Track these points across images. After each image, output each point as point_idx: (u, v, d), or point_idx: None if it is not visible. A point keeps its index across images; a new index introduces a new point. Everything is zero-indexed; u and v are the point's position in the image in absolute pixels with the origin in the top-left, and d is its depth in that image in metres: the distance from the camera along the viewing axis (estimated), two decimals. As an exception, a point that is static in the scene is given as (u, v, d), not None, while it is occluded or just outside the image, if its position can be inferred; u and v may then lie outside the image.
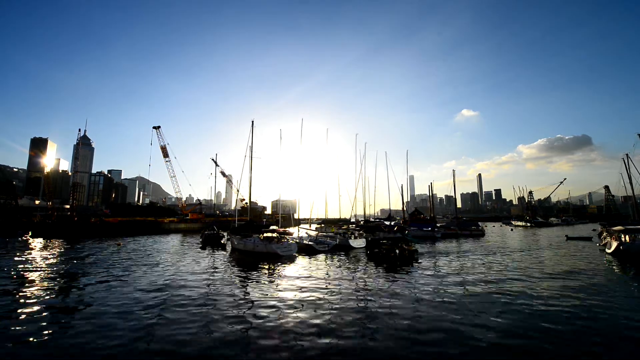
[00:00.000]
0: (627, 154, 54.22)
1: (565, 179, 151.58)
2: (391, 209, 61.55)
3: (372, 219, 54.68)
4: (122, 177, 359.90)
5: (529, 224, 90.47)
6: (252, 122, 42.88)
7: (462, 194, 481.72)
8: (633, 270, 20.06)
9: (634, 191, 53.96)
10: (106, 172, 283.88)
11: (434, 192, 71.83)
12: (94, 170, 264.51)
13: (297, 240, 33.05)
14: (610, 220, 52.33)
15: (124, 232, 59.30)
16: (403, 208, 71.24)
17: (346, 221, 49.32)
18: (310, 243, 32.11)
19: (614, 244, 26.19)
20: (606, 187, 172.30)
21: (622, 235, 26.67)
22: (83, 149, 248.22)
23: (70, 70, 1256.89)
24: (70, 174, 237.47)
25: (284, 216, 59.99)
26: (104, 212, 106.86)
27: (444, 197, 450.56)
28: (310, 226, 52.23)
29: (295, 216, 59.04)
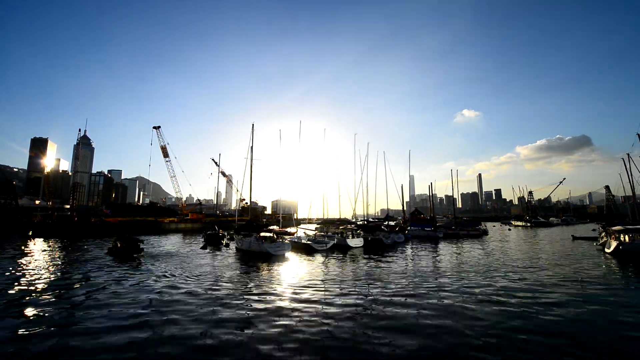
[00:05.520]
0: (627, 154, 54.15)
1: (564, 178, 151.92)
2: (391, 208, 61.57)
3: (371, 219, 54.69)
4: (122, 177, 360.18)
5: (528, 224, 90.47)
6: (253, 125, 43.52)
7: (462, 194, 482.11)
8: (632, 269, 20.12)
9: (634, 191, 53.95)
10: (106, 172, 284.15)
11: (434, 192, 71.72)
12: (94, 170, 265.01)
13: (296, 240, 33.37)
14: (610, 220, 52.29)
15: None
16: (403, 208, 71.22)
17: (346, 221, 49.41)
18: (308, 242, 32.43)
19: (614, 244, 26.24)
20: (606, 187, 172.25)
21: (622, 235, 26.72)
22: (83, 149, 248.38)
23: (71, 70, 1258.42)
24: (70, 174, 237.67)
25: (285, 216, 60.12)
26: (104, 212, 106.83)
27: (443, 197, 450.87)
28: (310, 226, 52.29)
29: (295, 216, 59.10)
